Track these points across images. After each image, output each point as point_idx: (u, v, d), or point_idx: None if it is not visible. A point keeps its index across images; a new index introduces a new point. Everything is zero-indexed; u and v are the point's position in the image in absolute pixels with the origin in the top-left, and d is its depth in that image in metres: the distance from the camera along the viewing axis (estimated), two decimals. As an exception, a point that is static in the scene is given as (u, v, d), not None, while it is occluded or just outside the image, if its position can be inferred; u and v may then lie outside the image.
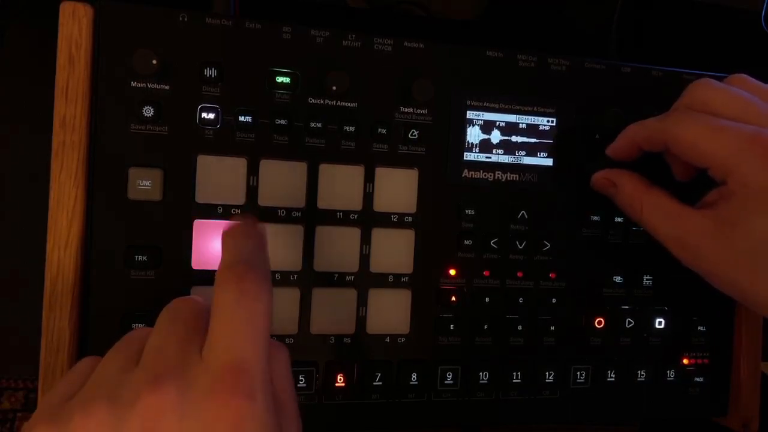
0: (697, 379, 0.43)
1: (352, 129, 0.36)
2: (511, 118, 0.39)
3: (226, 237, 0.26)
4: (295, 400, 0.25)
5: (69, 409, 0.22)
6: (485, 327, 0.39)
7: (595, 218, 0.41)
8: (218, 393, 0.21)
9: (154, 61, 0.33)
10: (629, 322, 0.41)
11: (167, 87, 0.34)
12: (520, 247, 0.39)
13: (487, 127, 0.39)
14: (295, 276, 0.37)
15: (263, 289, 0.24)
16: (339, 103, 0.37)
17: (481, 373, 0.39)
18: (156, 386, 0.21)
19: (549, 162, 0.40)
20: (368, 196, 0.37)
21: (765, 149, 0.31)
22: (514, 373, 0.40)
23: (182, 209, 0.35)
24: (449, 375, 0.39)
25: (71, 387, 0.24)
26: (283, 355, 0.26)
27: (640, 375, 0.42)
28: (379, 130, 0.37)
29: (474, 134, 0.39)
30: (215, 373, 0.22)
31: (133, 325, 0.34)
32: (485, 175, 0.39)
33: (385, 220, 0.38)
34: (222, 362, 0.22)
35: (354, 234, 0.37)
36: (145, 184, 0.34)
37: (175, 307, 0.26)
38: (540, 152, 0.40)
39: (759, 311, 0.34)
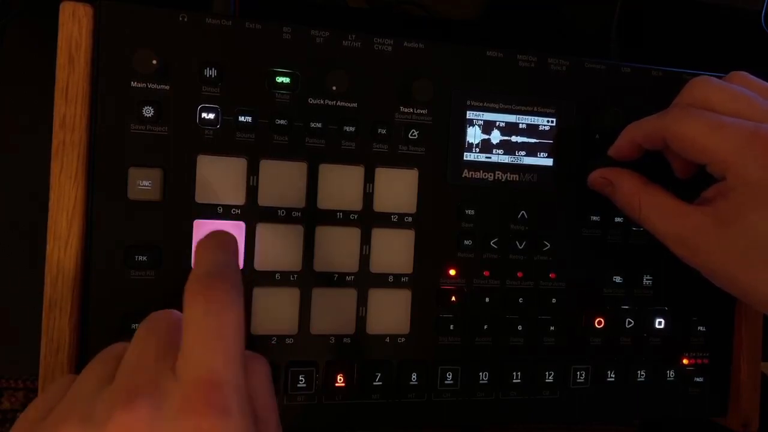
0: (697, 379, 0.43)
1: (352, 129, 0.36)
2: (511, 118, 0.39)
3: (198, 248, 0.26)
4: (276, 413, 0.24)
5: (42, 428, 0.22)
6: (485, 327, 0.39)
7: (595, 218, 0.41)
8: (190, 411, 0.21)
9: (154, 61, 0.33)
10: (629, 322, 0.41)
11: (167, 87, 0.34)
12: (520, 247, 0.39)
13: (487, 127, 0.39)
14: (295, 276, 0.37)
15: (232, 298, 0.23)
16: (339, 103, 0.37)
17: (481, 373, 0.39)
18: (128, 404, 0.21)
19: (549, 162, 0.40)
20: (368, 196, 0.37)
21: (764, 145, 0.30)
22: (514, 373, 0.40)
23: (182, 209, 0.35)
24: (449, 375, 0.39)
25: (46, 405, 0.23)
26: (262, 367, 0.25)
27: (640, 375, 0.42)
28: (379, 130, 0.37)
29: (474, 134, 0.39)
30: (187, 390, 0.21)
31: (133, 326, 0.34)
32: (485, 175, 0.39)
33: (385, 220, 0.38)
34: (193, 378, 0.21)
35: (354, 234, 0.37)
36: (145, 184, 0.34)
37: (151, 321, 0.25)
38: (540, 152, 0.40)
39: (758, 308, 0.34)
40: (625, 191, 0.37)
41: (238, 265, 0.26)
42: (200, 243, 0.27)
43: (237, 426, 0.21)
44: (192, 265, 0.35)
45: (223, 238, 0.27)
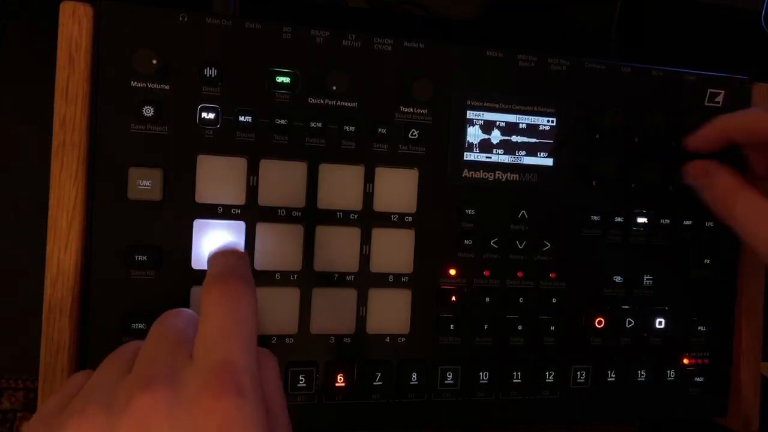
0: (697, 379, 0.43)
1: (352, 129, 0.36)
2: (511, 118, 0.39)
3: (210, 257, 0.28)
4: (285, 406, 0.25)
5: (63, 417, 0.22)
6: (485, 327, 0.39)
7: (595, 218, 0.41)
8: (207, 393, 0.21)
9: (154, 61, 0.33)
10: (629, 322, 0.41)
11: (167, 87, 0.34)
12: (520, 247, 0.39)
13: (487, 127, 0.39)
14: (295, 276, 0.37)
15: (247, 291, 0.25)
16: (339, 103, 0.37)
17: (481, 373, 0.39)
18: (147, 389, 0.21)
19: (549, 162, 0.40)
20: (368, 196, 0.37)
21: None
22: (514, 373, 0.40)
23: (182, 209, 0.35)
24: (449, 375, 0.39)
25: (65, 398, 0.24)
26: (271, 362, 0.26)
27: (640, 375, 0.42)
28: (379, 130, 0.37)
29: (474, 134, 0.39)
30: (204, 374, 0.22)
31: (133, 325, 0.34)
32: (485, 175, 0.39)
33: (385, 220, 0.38)
34: (210, 362, 0.22)
35: (354, 234, 0.37)
36: (145, 184, 0.34)
37: (166, 317, 0.26)
38: (540, 152, 0.40)
39: None
40: (722, 185, 0.36)
41: (249, 267, 0.27)
42: (212, 253, 0.28)
43: (252, 406, 0.22)
44: (193, 265, 0.35)
45: (232, 246, 0.29)
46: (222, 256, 0.28)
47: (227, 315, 0.24)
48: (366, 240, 0.37)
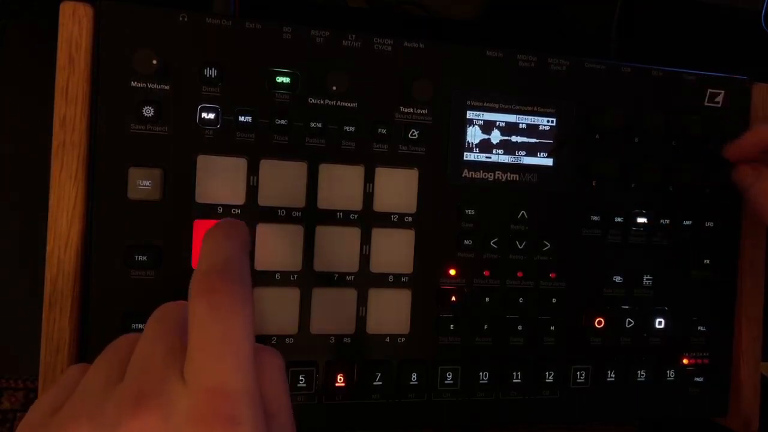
0: (697, 379, 0.43)
1: (352, 129, 0.36)
2: (511, 118, 0.39)
3: (205, 238, 0.25)
4: (289, 407, 0.24)
5: (52, 427, 0.22)
6: (485, 327, 0.39)
7: (595, 218, 0.41)
8: (199, 420, 0.20)
9: (154, 61, 0.33)
10: (629, 322, 0.41)
11: (167, 87, 0.34)
12: (520, 247, 0.39)
13: (487, 127, 0.39)
14: (295, 276, 0.37)
15: (240, 298, 0.22)
16: (339, 103, 0.37)
17: (481, 373, 0.39)
18: (138, 409, 0.20)
19: (549, 162, 0.40)
20: (368, 196, 0.37)
21: None
22: (514, 373, 0.40)
23: (182, 209, 0.35)
24: (449, 375, 0.39)
25: (57, 398, 0.23)
26: (276, 360, 0.24)
27: (640, 375, 0.42)
28: (379, 130, 0.37)
29: (474, 134, 0.39)
30: (194, 398, 0.20)
31: (133, 326, 0.34)
32: (485, 175, 0.39)
33: (385, 220, 0.38)
34: (201, 386, 0.21)
35: (354, 234, 0.37)
36: (145, 184, 0.34)
37: (162, 314, 0.25)
38: (540, 152, 0.40)
39: None
40: (766, 187, 0.38)
41: (244, 256, 0.25)
42: (206, 233, 0.26)
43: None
44: (193, 265, 0.35)
45: (230, 228, 0.26)
46: (217, 239, 0.25)
47: (216, 329, 0.21)
48: (366, 240, 0.37)
